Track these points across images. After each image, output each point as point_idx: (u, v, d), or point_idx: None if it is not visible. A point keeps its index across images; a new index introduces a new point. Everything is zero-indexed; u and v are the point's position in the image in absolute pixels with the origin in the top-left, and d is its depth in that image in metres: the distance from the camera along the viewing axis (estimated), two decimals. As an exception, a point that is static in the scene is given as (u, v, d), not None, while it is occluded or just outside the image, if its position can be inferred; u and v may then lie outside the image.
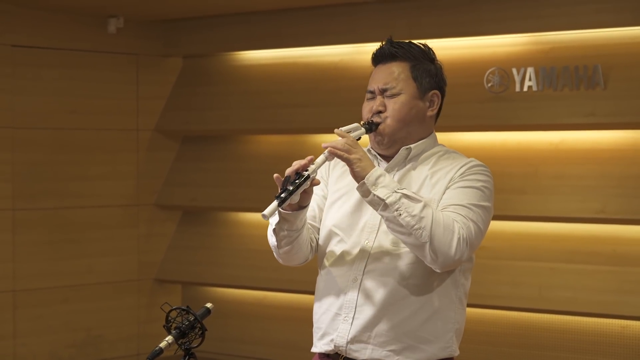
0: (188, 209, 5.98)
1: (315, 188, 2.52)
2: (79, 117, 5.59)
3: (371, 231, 2.50)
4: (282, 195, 2.34)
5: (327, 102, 5.37)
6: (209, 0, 5.30)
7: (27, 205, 5.39)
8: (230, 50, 5.78)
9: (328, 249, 2.56)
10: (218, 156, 5.88)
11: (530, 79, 4.73)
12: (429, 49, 2.60)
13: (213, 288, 5.96)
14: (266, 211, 2.32)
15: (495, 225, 4.91)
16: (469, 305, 4.84)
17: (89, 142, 5.64)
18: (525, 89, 4.75)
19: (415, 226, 2.32)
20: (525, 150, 4.86)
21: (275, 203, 2.33)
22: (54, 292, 5.51)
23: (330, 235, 2.56)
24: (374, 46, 5.37)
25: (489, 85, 4.83)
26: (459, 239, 2.35)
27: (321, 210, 2.62)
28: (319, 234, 2.61)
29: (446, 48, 4.98)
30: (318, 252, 2.61)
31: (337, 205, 2.57)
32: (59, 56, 5.50)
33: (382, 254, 2.46)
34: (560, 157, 4.75)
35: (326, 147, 2.39)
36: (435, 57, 2.61)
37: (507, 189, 4.81)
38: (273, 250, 2.57)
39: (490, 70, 4.83)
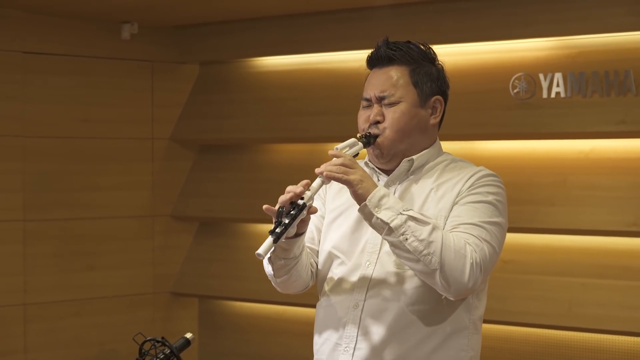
0: (205, 220, 5.82)
1: None
2: (92, 126, 5.45)
3: (372, 251, 2.29)
4: (277, 230, 2.13)
5: (347, 109, 5.16)
6: (225, 5, 5.14)
7: (38, 216, 5.25)
8: (247, 57, 5.62)
9: (328, 273, 2.36)
10: (235, 166, 5.72)
11: (558, 85, 4.53)
12: (429, 48, 2.40)
13: (231, 302, 5.78)
14: (260, 250, 2.11)
15: (523, 238, 4.74)
16: (494, 322, 4.70)
17: (102, 152, 5.50)
18: (553, 95, 4.55)
19: (424, 252, 2.11)
20: (553, 159, 4.66)
21: (270, 240, 2.13)
22: (66, 305, 5.36)
23: (330, 258, 2.36)
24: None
25: (515, 91, 4.63)
26: (472, 264, 2.14)
27: (319, 231, 2.42)
28: (318, 257, 2.41)
29: (470, 53, 4.79)
30: (318, 277, 2.41)
31: (335, 225, 2.38)
32: (71, 63, 5.35)
33: (385, 276, 2.26)
34: (591, 167, 4.53)
35: (320, 173, 2.18)
36: (436, 58, 2.40)
37: (535, 200, 4.61)
38: (270, 279, 2.37)
39: (516, 75, 4.63)
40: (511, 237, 4.72)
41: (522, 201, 4.62)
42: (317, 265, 2.40)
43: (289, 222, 2.13)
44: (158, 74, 5.69)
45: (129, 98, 5.60)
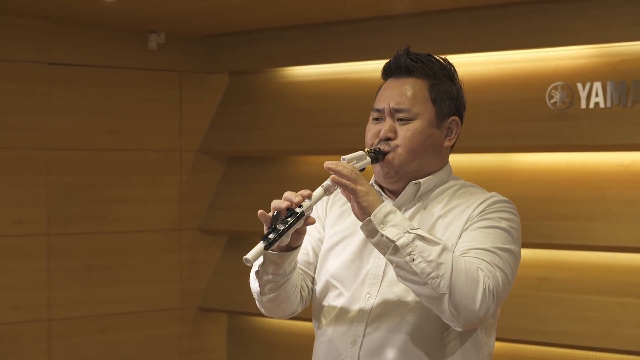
0: (234, 234, 5.69)
1: (310, 228, 2.13)
2: (118, 138, 5.35)
3: (373, 283, 2.11)
4: (270, 236, 1.95)
5: (378, 120, 5.03)
6: (255, 14, 5.02)
7: (63, 230, 5.16)
8: (277, 66, 5.49)
9: (325, 304, 2.17)
10: (264, 178, 5.59)
11: (597, 95, 4.33)
12: (450, 64, 2.21)
13: (260, 318, 5.65)
14: (249, 255, 1.93)
15: (559, 255, 4.54)
16: (529, 342, 4.50)
17: (129, 164, 5.40)
18: (591, 105, 4.35)
19: (432, 274, 1.93)
20: (591, 172, 4.45)
21: (260, 245, 1.95)
22: (91, 321, 5.26)
23: (327, 287, 2.17)
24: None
25: (552, 101, 4.44)
26: (484, 290, 1.95)
27: (316, 255, 2.23)
28: (312, 283, 2.22)
29: (504, 62, 4.61)
30: (314, 308, 2.22)
31: (335, 252, 2.19)
32: (96, 74, 5.26)
33: (386, 310, 2.07)
34: (631, 181, 4.32)
35: (329, 168, 1.99)
36: (457, 75, 2.21)
37: (572, 216, 4.42)
38: (255, 297, 2.18)
39: (553, 85, 4.44)
40: (547, 254, 4.58)
41: (559, 216, 4.44)
42: (308, 291, 2.22)
43: (283, 229, 1.96)
44: (186, 84, 5.58)
45: (156, 109, 5.49)
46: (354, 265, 2.14)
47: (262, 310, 2.22)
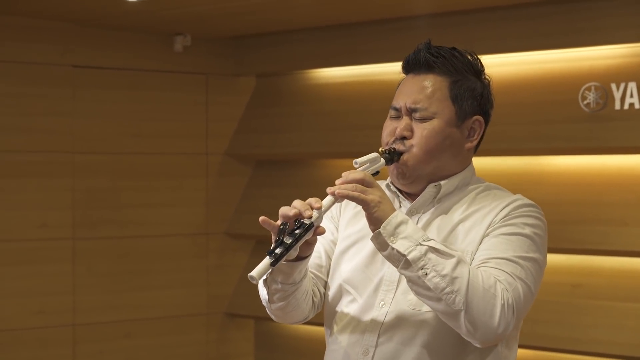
0: (261, 238, 5.60)
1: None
2: (144, 141, 5.29)
3: (388, 290, 2.00)
4: (277, 250, 1.84)
5: (407, 123, 4.93)
6: (281, 15, 4.95)
7: (88, 234, 5.11)
8: (305, 68, 5.40)
9: (338, 310, 2.06)
10: (292, 182, 5.50)
11: (632, 96, 4.20)
12: (477, 59, 2.09)
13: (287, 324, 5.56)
14: (254, 272, 1.82)
15: (593, 260, 4.41)
16: (562, 351, 4.36)
17: (155, 167, 5.34)
18: (626, 106, 4.21)
19: (447, 289, 1.82)
20: (626, 176, 4.32)
21: (267, 261, 1.84)
22: (117, 326, 5.21)
23: (340, 292, 2.06)
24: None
25: (585, 102, 4.31)
26: (502, 305, 1.83)
27: (329, 258, 2.12)
28: (324, 287, 2.11)
29: (535, 62, 4.49)
30: (326, 313, 2.11)
31: (349, 255, 2.08)
32: (121, 77, 5.21)
33: (400, 320, 1.96)
34: (667, 184, 4.20)
35: (331, 193, 1.90)
36: (484, 71, 2.09)
37: (606, 220, 4.28)
38: (264, 304, 2.09)
39: (586, 86, 4.31)
40: (580, 260, 4.45)
41: (592, 221, 4.30)
42: (320, 296, 2.11)
43: (291, 242, 1.85)
44: (213, 86, 5.52)
45: (183, 112, 5.43)
46: (368, 270, 2.05)
47: (273, 317, 2.13)
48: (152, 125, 5.32)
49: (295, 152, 5.41)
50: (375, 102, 5.08)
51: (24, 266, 4.96)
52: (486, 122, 2.10)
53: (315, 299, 2.10)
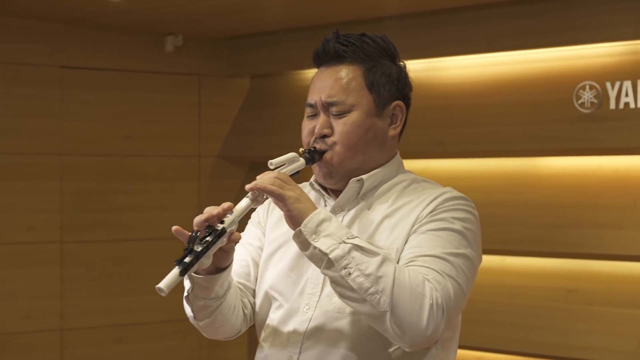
0: (255, 242, 5.51)
1: (249, 237, 1.96)
2: (134, 143, 5.21)
3: (312, 293, 1.90)
4: (186, 259, 1.71)
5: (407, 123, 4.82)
6: (276, 15, 4.86)
7: (77, 237, 5.03)
8: (300, 69, 5.30)
9: (266, 317, 1.96)
10: (286, 185, 5.40)
11: (627, 95, 4.07)
12: (389, 42, 1.99)
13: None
14: (162, 283, 1.70)
15: (588, 265, 4.28)
16: (556, 358, 4.25)
17: (145, 170, 5.26)
18: (621, 106, 4.09)
19: (371, 289, 1.71)
20: (622, 178, 4.19)
21: (175, 271, 1.71)
22: (106, 331, 5.13)
23: (268, 299, 1.96)
24: (450, 61, 4.77)
25: (580, 102, 4.19)
26: (431, 305, 1.72)
27: (257, 265, 2.01)
28: (254, 297, 2.00)
29: (528, 61, 4.38)
30: (256, 322, 2.01)
31: (275, 260, 1.98)
32: (111, 78, 5.14)
33: (325, 323, 1.86)
34: (664, 186, 4.06)
35: (250, 189, 1.80)
36: (397, 53, 1.99)
37: (602, 223, 4.16)
38: (191, 321, 1.98)
39: (580, 85, 4.19)
40: (575, 264, 4.32)
41: (587, 224, 4.18)
42: (251, 307, 2.01)
43: (201, 250, 1.73)
44: (205, 88, 5.43)
45: (175, 114, 5.35)
46: (292, 274, 1.94)
47: (203, 333, 2.03)
48: (143, 127, 5.24)
49: (289, 155, 5.31)
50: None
51: (11, 269, 4.89)
52: (407, 106, 2.00)
53: (245, 310, 2.00)
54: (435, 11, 4.61)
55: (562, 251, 4.24)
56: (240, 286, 2.01)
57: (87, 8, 4.65)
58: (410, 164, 4.85)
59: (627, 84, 4.07)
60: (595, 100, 4.15)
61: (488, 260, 4.50)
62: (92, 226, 5.09)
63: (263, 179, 1.82)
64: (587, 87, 4.17)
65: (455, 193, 1.92)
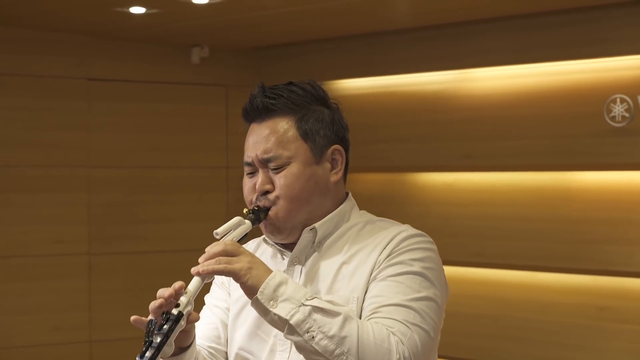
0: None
1: (215, 299, 1.92)
2: (161, 155, 5.20)
3: (284, 349, 1.86)
4: (147, 354, 1.67)
5: (428, 136, 4.76)
6: (300, 26, 4.82)
7: (105, 249, 5.04)
8: (324, 79, 5.26)
9: None
10: (314, 195, 5.36)
11: (659, 108, 4.00)
12: (316, 86, 1.94)
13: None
14: None
15: (620, 282, 4.19)
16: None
17: (173, 181, 5.24)
18: (653, 120, 4.01)
19: (337, 351, 1.68)
20: (654, 193, 4.11)
21: None
22: (134, 343, 5.06)
23: None
24: (480, 72, 4.68)
25: (611, 115, 4.11)
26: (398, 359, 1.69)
27: (226, 327, 1.98)
28: (227, 359, 1.97)
29: (558, 73, 4.30)
30: None
31: (241, 320, 1.94)
32: (137, 89, 5.13)
33: None
34: (697, 202, 3.98)
35: (196, 273, 1.76)
36: (327, 96, 1.95)
37: (633, 240, 4.08)
38: None
39: (611, 98, 4.11)
40: (607, 281, 4.24)
41: (618, 241, 4.10)
42: None
43: (160, 341, 1.68)
44: (233, 99, 5.41)
45: (202, 125, 5.34)
46: (260, 331, 1.91)
47: None
48: (170, 139, 5.23)
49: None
50: (396, 115, 4.93)
51: (40, 282, 4.90)
52: (345, 148, 1.96)
53: None
54: (464, 22, 4.55)
55: (593, 268, 4.17)
56: (211, 350, 1.98)
57: (112, 20, 4.64)
58: (437, 177, 4.83)
59: (659, 98, 4.00)
60: (627, 114, 4.07)
61: (518, 275, 4.44)
62: (119, 238, 5.09)
63: (207, 262, 1.77)
64: (618, 100, 4.09)
65: (412, 231, 1.88)
